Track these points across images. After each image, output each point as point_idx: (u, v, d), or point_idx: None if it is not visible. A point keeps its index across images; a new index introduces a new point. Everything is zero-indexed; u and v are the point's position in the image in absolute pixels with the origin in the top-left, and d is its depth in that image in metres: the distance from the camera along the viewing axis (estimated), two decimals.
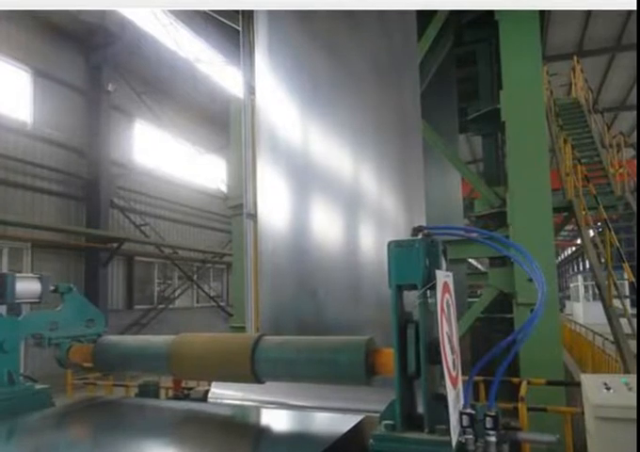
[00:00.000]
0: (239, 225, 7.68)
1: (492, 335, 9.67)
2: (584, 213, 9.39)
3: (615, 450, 3.41)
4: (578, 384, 4.85)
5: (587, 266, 34.47)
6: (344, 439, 2.46)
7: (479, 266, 27.78)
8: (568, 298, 36.25)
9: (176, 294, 22.67)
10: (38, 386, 3.41)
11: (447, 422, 2.11)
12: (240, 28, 7.21)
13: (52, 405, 3.38)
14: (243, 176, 6.48)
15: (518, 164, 7.37)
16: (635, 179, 15.38)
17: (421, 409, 2.24)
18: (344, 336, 2.93)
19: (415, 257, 2.28)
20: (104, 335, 3.67)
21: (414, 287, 2.27)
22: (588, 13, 17.85)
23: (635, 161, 19.96)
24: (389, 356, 2.45)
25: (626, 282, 12.02)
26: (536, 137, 7.31)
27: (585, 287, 28.47)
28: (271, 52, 4.53)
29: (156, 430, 2.92)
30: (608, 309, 8.56)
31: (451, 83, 10.93)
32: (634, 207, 12.24)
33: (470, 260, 20.48)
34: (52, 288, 3.57)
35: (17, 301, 3.33)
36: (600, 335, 12.26)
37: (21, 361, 3.38)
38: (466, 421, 2.16)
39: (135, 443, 2.70)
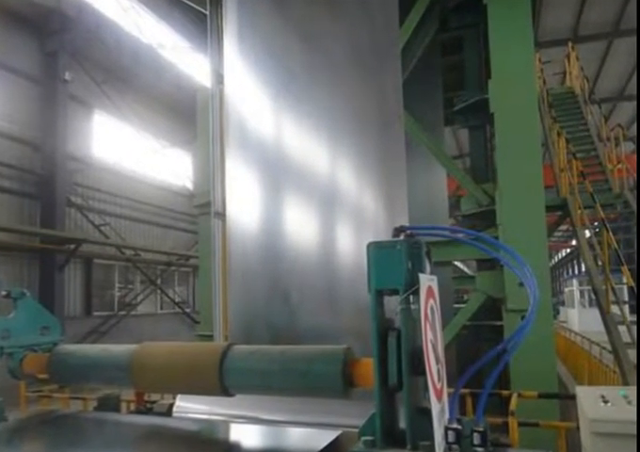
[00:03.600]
0: (206, 225, 7.66)
1: (480, 344, 9.73)
2: (579, 212, 9.46)
3: None
4: (573, 397, 4.89)
5: (583, 269, 34.78)
6: None
7: (466, 270, 28.01)
8: (563, 303, 36.49)
9: (138, 299, 22.58)
10: None
11: (431, 438, 2.11)
12: (207, 12, 7.19)
13: (4, 419, 3.34)
14: (210, 172, 6.48)
15: (508, 159, 7.42)
16: (635, 175, 15.51)
17: (403, 423, 2.24)
18: (319, 345, 2.92)
19: (397, 260, 2.27)
20: (61, 344, 3.64)
21: (395, 292, 2.26)
22: None
23: (635, 156, 20.15)
24: (368, 366, 2.44)
25: (625, 287, 12.14)
26: (528, 130, 7.37)
27: (581, 292, 28.63)
28: (241, 38, 4.50)
29: (116, 447, 2.90)
30: (605, 316, 8.63)
31: (436, 71, 10.99)
32: (634, 206, 12.34)
33: (456, 263, 20.61)
34: (3, 293, 3.52)
35: None
36: (597, 344, 12.35)
37: None
38: (452, 437, 2.16)
39: None
